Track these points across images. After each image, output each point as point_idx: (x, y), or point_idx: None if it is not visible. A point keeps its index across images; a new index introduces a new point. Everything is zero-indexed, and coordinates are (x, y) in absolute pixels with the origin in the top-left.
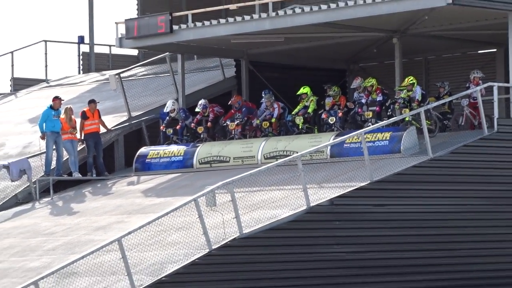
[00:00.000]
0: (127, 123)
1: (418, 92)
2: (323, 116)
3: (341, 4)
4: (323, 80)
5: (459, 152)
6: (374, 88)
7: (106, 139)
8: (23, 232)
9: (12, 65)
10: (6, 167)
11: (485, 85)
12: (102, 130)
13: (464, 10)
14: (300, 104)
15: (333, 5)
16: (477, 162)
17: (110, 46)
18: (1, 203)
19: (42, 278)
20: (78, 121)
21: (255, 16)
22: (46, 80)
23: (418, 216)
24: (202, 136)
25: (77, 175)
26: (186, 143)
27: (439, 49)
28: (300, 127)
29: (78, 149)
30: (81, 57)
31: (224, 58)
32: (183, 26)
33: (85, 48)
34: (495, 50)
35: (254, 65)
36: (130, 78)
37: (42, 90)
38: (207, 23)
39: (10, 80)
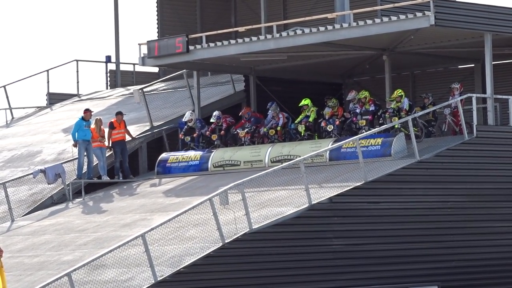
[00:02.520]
0: (150, 132)
1: (405, 103)
2: (323, 124)
3: (337, 26)
4: (322, 92)
5: (443, 155)
6: (367, 100)
7: (131, 146)
8: (58, 229)
9: (48, 82)
10: (43, 171)
11: (465, 96)
12: (128, 138)
13: (446, 30)
14: (302, 114)
15: (330, 27)
16: (459, 163)
17: (134, 64)
18: (39, 203)
19: (75, 270)
20: (107, 130)
21: (261, 37)
22: (78, 95)
23: (408, 212)
24: (216, 143)
25: (105, 178)
26: (202, 149)
27: (424, 65)
28: (302, 134)
29: (107, 155)
30: (108, 74)
31: (234, 74)
32: (198, 46)
33: (112, 66)
34: (473, 65)
35: (261, 80)
36: (152, 92)
37: (74, 103)
38: (219, 43)
39: (46, 95)
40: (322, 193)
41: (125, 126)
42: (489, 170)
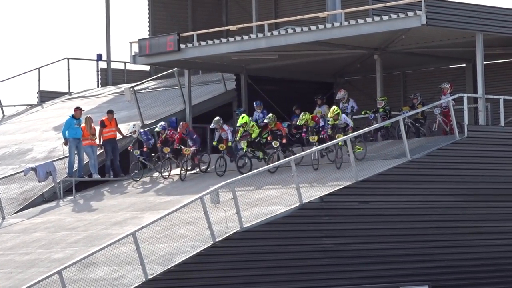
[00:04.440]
0: (142, 130)
1: (344, 118)
2: (269, 138)
3: (328, 25)
4: (313, 91)
5: (434, 154)
6: (309, 121)
7: (122, 145)
8: (49, 227)
9: (39, 80)
10: (34, 169)
11: (456, 95)
12: (119, 136)
13: (437, 30)
14: (240, 130)
15: (321, 26)
16: (450, 163)
17: (125, 62)
18: (30, 201)
19: (66, 267)
20: (97, 128)
21: (253, 36)
22: (68, 93)
23: (398, 211)
24: (167, 156)
25: (96, 176)
26: (151, 163)
27: (415, 64)
28: (244, 149)
29: (97, 153)
30: (99, 72)
31: (226, 72)
32: (189, 45)
33: (103, 64)
34: (464, 65)
35: (252, 79)
36: (143, 91)
37: (65, 101)
38: (210, 42)
39: (37, 93)
40: (313, 192)
41: (116, 124)
42: (480, 170)
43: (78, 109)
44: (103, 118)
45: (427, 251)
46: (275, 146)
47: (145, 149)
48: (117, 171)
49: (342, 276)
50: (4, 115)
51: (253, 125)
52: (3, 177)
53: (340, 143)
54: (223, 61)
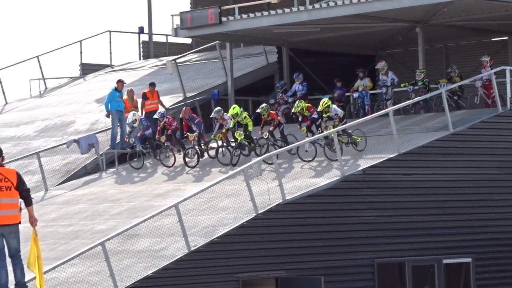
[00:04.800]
0: (183, 103)
1: (336, 110)
2: (259, 132)
3: None
4: (355, 64)
5: (477, 127)
6: (304, 110)
7: None
8: (92, 199)
9: (81, 53)
10: (77, 141)
11: (498, 68)
12: (161, 109)
13: (479, 3)
14: (232, 121)
15: None
16: (492, 136)
17: (166, 35)
18: (72, 173)
19: (108, 239)
20: (140, 101)
21: (294, 9)
22: (110, 66)
23: (441, 183)
24: (165, 144)
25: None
26: (149, 152)
27: (457, 37)
28: (239, 141)
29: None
30: (141, 45)
31: (267, 45)
32: (231, 18)
33: (145, 37)
34: (506, 38)
35: (294, 52)
36: (185, 63)
37: (107, 74)
38: (252, 15)
39: (79, 66)
40: (355, 165)
41: (158, 97)
42: None
43: (120, 82)
44: (145, 91)
45: (470, 223)
46: (265, 137)
47: (139, 134)
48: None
49: (385, 248)
50: (46, 88)
51: (245, 116)
52: (46, 149)
53: (331, 134)
54: (265, 34)
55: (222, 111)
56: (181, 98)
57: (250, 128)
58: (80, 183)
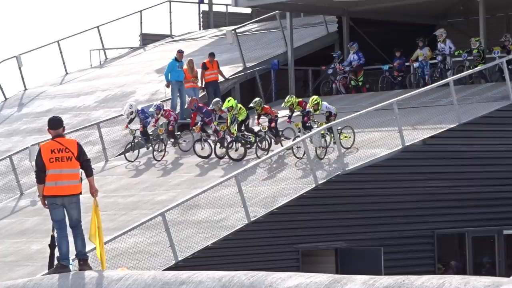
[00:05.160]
0: (242, 73)
1: (326, 107)
2: (256, 122)
3: None
4: (415, 34)
5: None
6: (295, 105)
7: (224, 87)
8: (152, 169)
9: (141, 23)
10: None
11: None
12: (221, 79)
13: None
14: (229, 114)
15: None
16: None
17: (226, 5)
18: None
19: (169, 210)
20: (199, 71)
21: None
22: (170, 36)
23: (501, 154)
24: (161, 137)
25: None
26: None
27: None
28: (235, 134)
29: (199, 95)
30: (201, 15)
31: (327, 15)
32: None
33: (204, 7)
34: None
35: (354, 21)
36: (245, 33)
37: (167, 44)
38: None
39: (139, 36)
40: (415, 135)
41: (218, 67)
42: None
43: (180, 52)
44: (205, 61)
45: None
46: (263, 130)
47: (141, 129)
48: None
49: (445, 219)
50: (106, 58)
51: (240, 108)
52: (106, 120)
53: (322, 132)
54: (325, 3)
55: (221, 103)
56: (240, 68)
57: (240, 118)
58: (140, 154)
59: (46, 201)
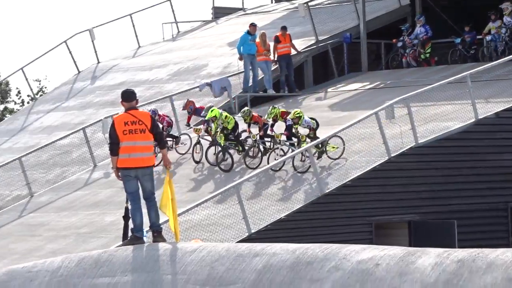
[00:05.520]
0: (315, 46)
1: (307, 121)
2: (247, 130)
3: None
4: (487, 7)
5: None
6: (278, 116)
7: (296, 60)
8: None
9: None
10: (209, 85)
11: None
12: (293, 52)
13: None
14: (214, 124)
15: None
16: None
17: None
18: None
19: (242, 182)
20: (272, 44)
21: None
22: (243, 9)
23: None
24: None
25: (271, 92)
26: None
27: None
28: (222, 144)
29: (272, 69)
30: None
31: None
32: None
33: None
34: None
35: None
36: (317, 6)
37: (239, 17)
38: None
39: (211, 9)
40: (488, 108)
41: (290, 40)
42: None
43: (253, 25)
44: (277, 34)
45: None
46: (253, 139)
47: None
48: (291, 87)
49: None
50: (179, 31)
51: (226, 116)
52: (179, 93)
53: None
54: None
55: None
56: (313, 42)
57: (229, 126)
58: None
59: (119, 173)
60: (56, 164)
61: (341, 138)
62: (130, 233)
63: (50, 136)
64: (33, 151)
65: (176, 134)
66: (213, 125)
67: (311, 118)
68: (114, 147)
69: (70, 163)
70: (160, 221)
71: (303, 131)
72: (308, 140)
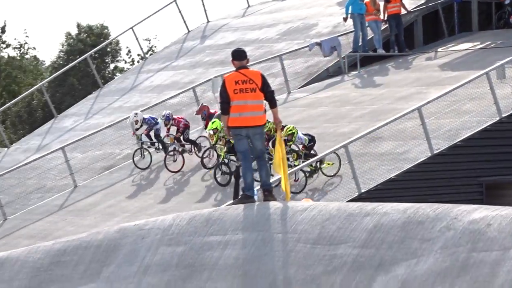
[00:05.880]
0: (425, 6)
1: (302, 138)
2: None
3: None
4: None
5: None
6: (273, 131)
7: (406, 20)
8: (334, 101)
9: None
10: (319, 44)
11: None
12: (403, 11)
13: None
14: (215, 136)
15: None
16: None
17: None
18: (315, 76)
19: (352, 141)
20: (382, 4)
21: None
22: None
23: None
24: (174, 147)
25: (381, 51)
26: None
27: None
28: (222, 157)
29: (381, 28)
30: None
31: None
32: None
33: None
34: None
35: None
36: None
37: None
38: None
39: None
40: None
41: (401, 0)
42: None
43: None
44: None
45: None
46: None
47: (145, 132)
48: (401, 46)
49: None
50: None
51: None
52: (288, 52)
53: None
54: None
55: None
56: (423, 1)
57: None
58: (322, 85)
59: (230, 132)
60: None
61: (337, 155)
62: (241, 192)
63: (160, 95)
64: (144, 110)
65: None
66: (214, 137)
67: (305, 134)
68: (225, 106)
69: None
70: (271, 180)
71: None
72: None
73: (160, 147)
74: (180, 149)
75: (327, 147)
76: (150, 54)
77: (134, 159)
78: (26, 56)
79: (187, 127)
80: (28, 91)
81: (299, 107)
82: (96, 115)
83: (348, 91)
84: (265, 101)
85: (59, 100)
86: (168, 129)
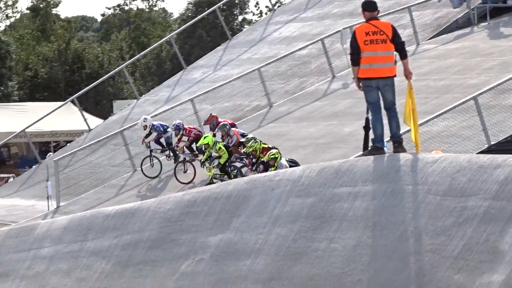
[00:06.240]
0: None
1: (283, 164)
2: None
3: None
4: None
5: None
6: (258, 152)
7: None
8: (463, 53)
9: None
10: None
11: None
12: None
13: None
14: (206, 152)
15: None
16: None
17: None
18: (444, 27)
19: (481, 93)
20: None
21: None
22: None
23: None
24: (185, 157)
25: (511, 3)
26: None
27: None
28: (211, 176)
29: None
30: None
31: None
32: None
33: None
34: None
35: None
36: None
37: None
38: None
39: None
40: None
41: None
42: None
43: None
44: None
45: None
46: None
47: (153, 139)
48: None
49: None
50: None
51: (219, 148)
52: (418, 3)
53: None
54: None
55: (228, 127)
56: None
57: (222, 161)
58: (451, 37)
59: (360, 83)
60: (294, 74)
61: None
62: (370, 144)
63: (288, 47)
64: (272, 61)
65: None
66: (205, 152)
67: (288, 160)
68: (355, 57)
69: (309, 73)
70: (401, 132)
71: None
72: None
73: (171, 154)
74: (190, 159)
75: (456, 99)
76: (279, 6)
77: (143, 167)
78: (155, 8)
79: (199, 137)
80: (157, 43)
81: (427, 59)
82: (224, 67)
83: (478, 43)
84: (395, 52)
85: (187, 51)
86: (179, 140)
